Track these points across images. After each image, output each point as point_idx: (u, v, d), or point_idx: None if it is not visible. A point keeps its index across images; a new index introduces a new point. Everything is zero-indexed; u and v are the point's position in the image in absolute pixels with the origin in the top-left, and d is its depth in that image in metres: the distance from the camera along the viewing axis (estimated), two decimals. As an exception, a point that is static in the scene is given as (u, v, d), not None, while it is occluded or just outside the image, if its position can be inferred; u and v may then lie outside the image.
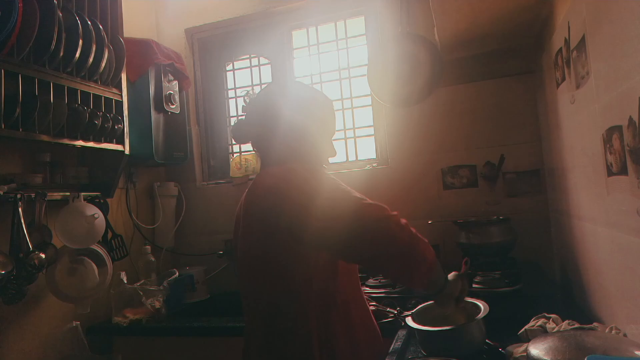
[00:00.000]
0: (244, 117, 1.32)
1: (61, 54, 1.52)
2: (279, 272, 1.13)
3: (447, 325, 1.14)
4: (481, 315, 1.14)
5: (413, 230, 1.05)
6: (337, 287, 1.13)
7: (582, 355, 0.82)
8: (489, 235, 1.72)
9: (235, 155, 2.51)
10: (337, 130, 2.22)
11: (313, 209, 1.04)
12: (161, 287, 1.95)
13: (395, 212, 1.04)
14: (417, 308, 1.30)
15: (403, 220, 1.04)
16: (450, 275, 1.15)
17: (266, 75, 2.50)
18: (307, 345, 1.09)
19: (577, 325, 1.15)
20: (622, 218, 1.01)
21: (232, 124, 2.53)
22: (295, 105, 1.24)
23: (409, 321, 1.22)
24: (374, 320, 1.27)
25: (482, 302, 1.22)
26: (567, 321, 1.18)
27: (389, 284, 1.78)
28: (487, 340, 1.15)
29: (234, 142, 2.55)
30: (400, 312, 1.51)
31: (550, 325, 1.18)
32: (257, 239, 1.16)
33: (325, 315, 1.11)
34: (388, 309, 1.56)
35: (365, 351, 1.16)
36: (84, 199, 1.73)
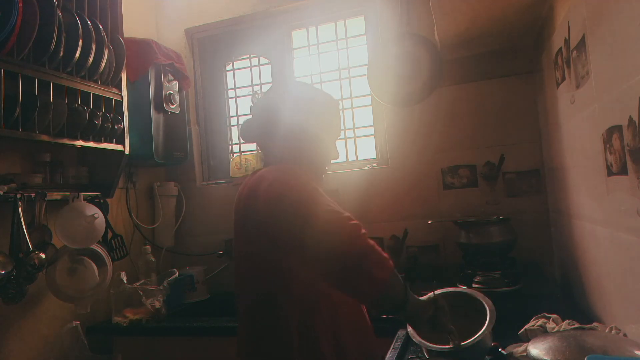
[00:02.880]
0: (250, 117, 1.33)
1: (61, 54, 1.52)
2: (259, 274, 1.14)
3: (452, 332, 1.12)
4: (480, 333, 1.08)
5: (370, 243, 1.00)
6: (322, 291, 1.12)
7: (582, 355, 0.82)
8: (489, 235, 1.72)
9: (235, 155, 2.51)
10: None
11: (279, 208, 1.04)
12: (161, 287, 1.95)
13: (354, 222, 1.01)
14: None
15: (361, 231, 1.00)
16: (423, 297, 1.12)
17: (266, 75, 2.50)
18: (287, 343, 1.09)
19: (577, 325, 1.15)
20: (622, 218, 1.01)
21: (233, 123, 2.55)
22: (298, 106, 1.24)
23: (411, 331, 1.19)
24: (368, 322, 1.25)
25: (488, 301, 1.17)
26: (567, 321, 1.18)
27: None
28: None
29: (234, 142, 2.55)
30: None
31: (550, 325, 1.18)
32: (241, 238, 1.18)
33: (307, 314, 1.10)
34: None
35: (352, 351, 1.15)
36: (84, 199, 1.73)
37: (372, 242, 1.01)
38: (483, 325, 1.10)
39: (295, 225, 1.02)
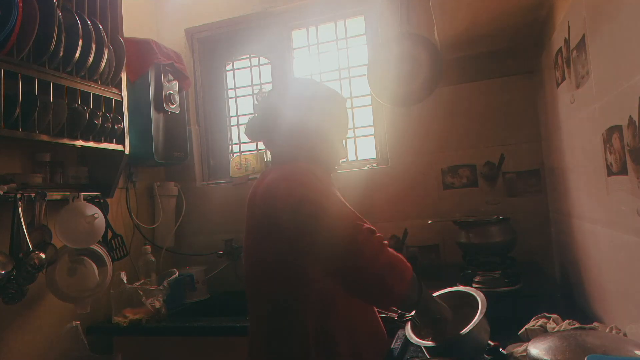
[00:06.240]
0: (256, 114, 1.31)
1: (61, 53, 1.52)
2: (275, 273, 1.12)
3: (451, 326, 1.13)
4: (473, 322, 1.09)
5: (392, 258, 1.01)
6: (338, 290, 1.11)
7: (582, 355, 0.81)
8: (489, 235, 1.71)
9: (235, 155, 2.51)
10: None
11: (301, 214, 1.04)
12: (161, 287, 1.95)
13: (378, 234, 1.02)
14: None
15: (384, 246, 1.01)
16: (438, 299, 1.14)
17: (266, 75, 2.50)
18: (304, 346, 1.08)
19: (577, 325, 1.15)
20: (622, 218, 1.01)
21: (233, 123, 2.55)
22: (303, 103, 1.23)
23: (408, 333, 1.19)
24: (380, 323, 1.25)
25: (480, 294, 1.17)
26: (567, 321, 1.18)
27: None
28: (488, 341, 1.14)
29: (234, 142, 2.55)
30: (401, 316, 1.49)
31: (550, 325, 1.18)
32: (256, 238, 1.17)
33: (323, 317, 1.09)
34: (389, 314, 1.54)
35: (369, 353, 1.15)
36: (84, 199, 1.73)
37: (393, 253, 1.02)
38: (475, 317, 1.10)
39: (317, 232, 1.02)
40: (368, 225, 1.03)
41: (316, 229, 1.02)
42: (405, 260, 1.05)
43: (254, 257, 1.18)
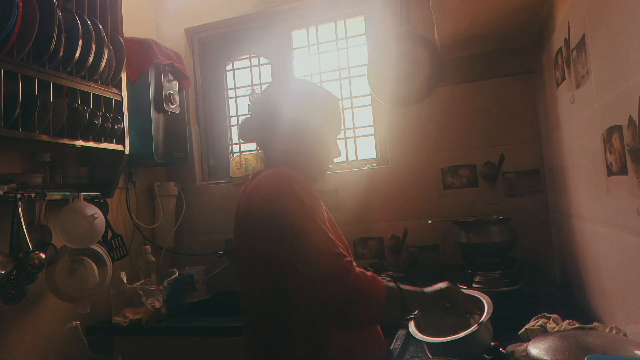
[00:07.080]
0: (249, 116, 1.31)
1: (61, 53, 1.52)
2: (262, 275, 1.12)
3: (453, 328, 1.13)
4: (483, 319, 1.11)
5: (354, 285, 0.99)
6: None
7: (582, 355, 0.81)
8: (489, 235, 1.72)
9: (235, 155, 2.51)
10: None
11: (269, 234, 1.05)
12: (161, 287, 1.95)
13: (346, 259, 1.00)
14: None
15: (348, 276, 0.98)
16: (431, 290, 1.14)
17: (266, 75, 2.50)
18: (291, 349, 1.07)
19: (577, 325, 1.15)
20: (622, 218, 1.01)
21: (233, 123, 2.55)
22: (296, 102, 1.23)
23: (412, 329, 1.20)
24: (378, 328, 1.24)
25: (486, 297, 1.19)
26: (567, 321, 1.18)
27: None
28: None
29: (234, 142, 2.55)
30: None
31: (550, 325, 1.18)
32: (244, 239, 1.16)
33: (313, 327, 1.08)
34: None
35: (363, 358, 1.14)
36: (84, 199, 1.73)
37: (358, 284, 1.00)
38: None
39: (285, 256, 1.03)
40: (336, 252, 1.00)
41: (284, 250, 1.03)
42: (374, 282, 1.02)
43: (241, 258, 1.18)
